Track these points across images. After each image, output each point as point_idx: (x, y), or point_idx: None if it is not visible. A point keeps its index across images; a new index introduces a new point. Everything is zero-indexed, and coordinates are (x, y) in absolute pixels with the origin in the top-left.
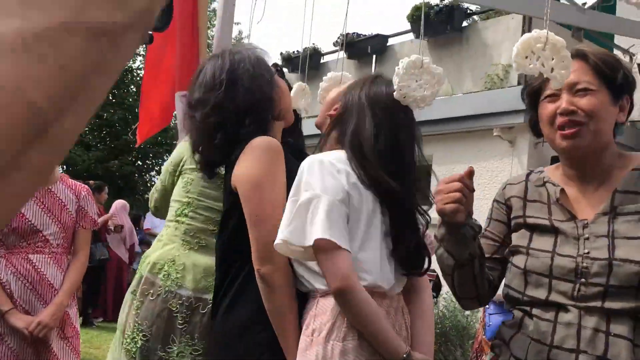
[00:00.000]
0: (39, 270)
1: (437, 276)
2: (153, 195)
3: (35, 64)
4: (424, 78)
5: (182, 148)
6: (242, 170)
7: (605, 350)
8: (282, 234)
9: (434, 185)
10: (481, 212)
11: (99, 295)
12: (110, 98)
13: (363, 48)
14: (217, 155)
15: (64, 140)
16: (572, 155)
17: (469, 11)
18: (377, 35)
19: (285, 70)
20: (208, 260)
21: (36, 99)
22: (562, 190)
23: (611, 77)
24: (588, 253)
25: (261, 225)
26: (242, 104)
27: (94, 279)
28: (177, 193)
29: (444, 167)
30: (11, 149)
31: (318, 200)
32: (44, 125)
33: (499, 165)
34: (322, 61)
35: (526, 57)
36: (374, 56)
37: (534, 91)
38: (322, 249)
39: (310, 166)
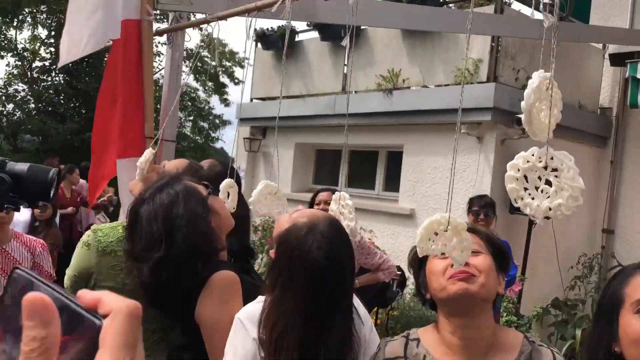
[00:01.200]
0: None
1: (402, 273)
2: None
3: None
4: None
5: (86, 261)
6: (203, 311)
7: None
8: None
9: (403, 174)
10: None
11: None
12: (85, 67)
13: (337, 31)
14: (178, 297)
15: None
16: (462, 302)
17: (442, 0)
18: None
19: (259, 46)
20: None
21: None
22: None
23: (497, 250)
24: None
25: None
26: (186, 253)
27: None
28: None
29: (414, 158)
30: None
31: None
32: None
33: (466, 161)
34: (296, 39)
35: (429, 240)
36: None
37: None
38: None
39: (234, 325)
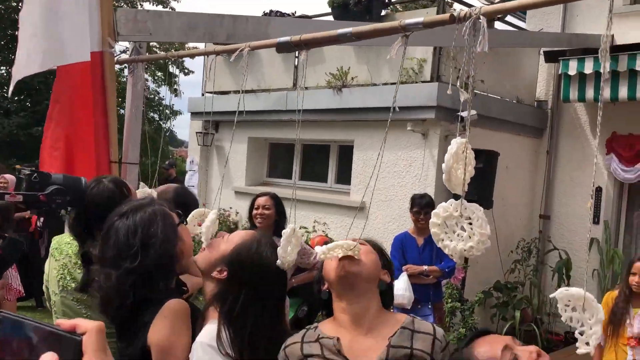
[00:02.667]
0: None
1: None
2: None
3: None
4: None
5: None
6: (157, 335)
7: None
8: None
9: (354, 168)
10: (397, 197)
11: None
12: None
13: None
14: (126, 313)
15: None
16: (346, 280)
17: (387, 0)
18: (301, 16)
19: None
20: None
21: None
22: (338, 340)
23: (380, 251)
24: None
25: None
26: (154, 269)
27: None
28: None
29: (364, 152)
30: None
31: None
32: None
33: (412, 156)
34: None
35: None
36: None
37: None
38: None
39: (200, 350)
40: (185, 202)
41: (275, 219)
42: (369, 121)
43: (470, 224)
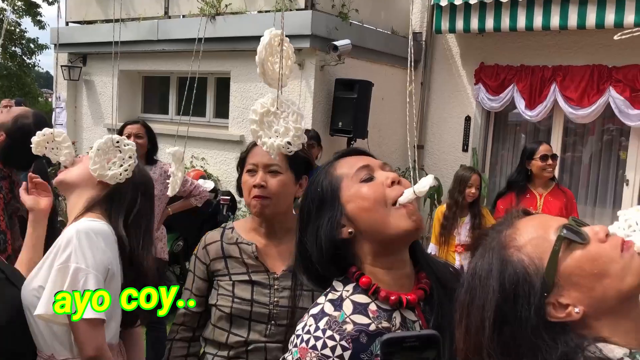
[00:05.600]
0: None
1: (232, 197)
2: None
3: None
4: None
5: None
6: None
7: None
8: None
9: (232, 101)
10: None
11: None
12: None
13: None
14: None
15: None
16: (261, 217)
17: None
18: None
19: None
20: None
21: None
22: (257, 247)
23: (295, 162)
24: (277, 302)
25: None
26: None
27: None
28: None
29: (242, 84)
30: None
31: (86, 276)
32: None
33: (289, 87)
34: None
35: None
36: None
37: (241, 159)
38: (88, 324)
39: (79, 238)
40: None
41: (147, 148)
42: (245, 51)
43: (286, 119)
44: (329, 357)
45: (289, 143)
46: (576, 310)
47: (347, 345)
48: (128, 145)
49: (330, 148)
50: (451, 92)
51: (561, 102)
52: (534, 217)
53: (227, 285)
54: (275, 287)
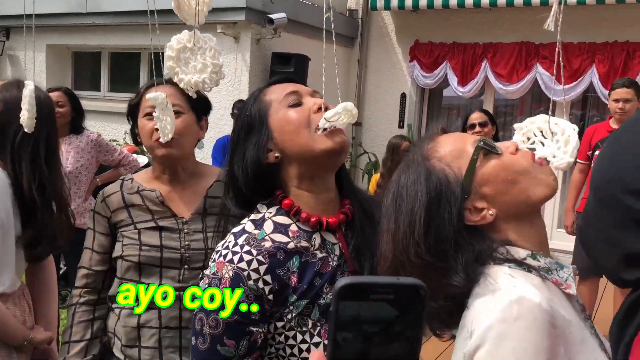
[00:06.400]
0: None
1: None
2: None
3: None
4: None
5: None
6: None
7: None
8: None
9: (166, 75)
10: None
11: None
12: None
13: None
14: None
15: None
16: (166, 161)
17: None
18: None
19: None
20: None
21: None
22: (161, 193)
23: (196, 102)
24: (189, 245)
25: None
26: None
27: None
28: None
29: None
30: None
31: None
32: None
33: (225, 60)
34: None
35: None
36: None
37: (133, 105)
38: None
39: None
40: None
41: (72, 117)
42: (178, 24)
43: (203, 55)
44: (244, 269)
45: (205, 79)
46: (490, 212)
47: (264, 260)
48: None
49: None
50: (387, 69)
51: (492, 78)
52: (452, 133)
53: (132, 234)
54: (185, 230)
